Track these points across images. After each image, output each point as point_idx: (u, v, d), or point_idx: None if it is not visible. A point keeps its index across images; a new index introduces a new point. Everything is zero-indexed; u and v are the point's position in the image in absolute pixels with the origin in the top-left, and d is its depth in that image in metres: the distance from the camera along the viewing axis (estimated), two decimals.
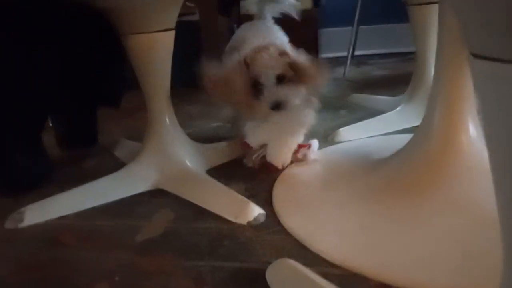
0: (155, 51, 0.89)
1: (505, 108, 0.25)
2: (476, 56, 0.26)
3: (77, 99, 1.03)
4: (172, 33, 0.91)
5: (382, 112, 1.28)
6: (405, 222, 0.72)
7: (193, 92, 1.91)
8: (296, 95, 0.87)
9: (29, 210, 0.86)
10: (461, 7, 0.26)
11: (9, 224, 0.84)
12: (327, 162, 1.00)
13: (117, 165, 1.07)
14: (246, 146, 0.99)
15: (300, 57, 0.90)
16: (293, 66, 0.88)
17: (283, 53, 0.88)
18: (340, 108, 1.44)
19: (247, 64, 0.87)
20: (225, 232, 0.75)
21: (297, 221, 0.75)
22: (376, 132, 1.15)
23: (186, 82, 1.98)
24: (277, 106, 0.86)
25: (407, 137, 0.86)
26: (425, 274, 0.57)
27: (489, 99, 0.27)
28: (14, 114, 0.91)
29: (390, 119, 1.20)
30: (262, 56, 0.86)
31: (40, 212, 0.86)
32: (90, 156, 1.20)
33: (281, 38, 1.15)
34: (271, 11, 1.24)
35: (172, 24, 0.91)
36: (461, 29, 0.27)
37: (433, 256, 0.61)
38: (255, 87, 0.87)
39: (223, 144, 1.12)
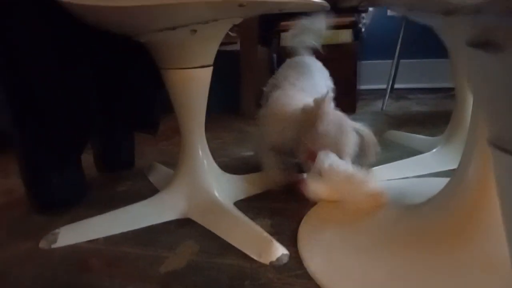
0: (192, 86, 0.91)
1: None
2: (495, 146, 0.25)
3: (114, 122, 1.08)
4: (210, 69, 0.93)
5: (419, 152, 1.24)
6: (433, 274, 0.68)
7: (229, 119, 1.96)
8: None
9: (63, 231, 0.90)
10: (487, 101, 0.26)
11: (43, 244, 0.88)
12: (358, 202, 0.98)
13: (150, 190, 1.10)
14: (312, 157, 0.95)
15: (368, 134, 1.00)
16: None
17: (357, 131, 0.99)
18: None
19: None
20: (247, 271, 0.74)
21: (321, 265, 0.74)
22: (411, 174, 1.12)
23: (224, 109, 2.05)
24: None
25: (443, 181, 0.83)
26: None
27: (504, 186, 0.26)
28: (52, 134, 0.95)
29: (427, 160, 1.16)
30: (343, 138, 0.95)
31: (73, 234, 0.90)
32: (125, 179, 1.24)
33: (321, 76, 1.19)
34: (304, 45, 1.29)
35: (210, 61, 0.93)
36: (485, 118, 0.26)
37: None
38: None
39: (253, 175, 1.12)
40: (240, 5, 0.75)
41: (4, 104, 0.91)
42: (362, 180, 0.91)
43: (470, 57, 0.25)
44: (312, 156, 0.93)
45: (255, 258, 0.77)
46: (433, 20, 0.23)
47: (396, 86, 2.31)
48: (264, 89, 1.25)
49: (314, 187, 0.91)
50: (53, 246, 0.86)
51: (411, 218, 0.84)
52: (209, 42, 0.91)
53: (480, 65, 0.25)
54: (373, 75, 2.39)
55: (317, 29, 1.31)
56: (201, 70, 0.91)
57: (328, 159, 0.91)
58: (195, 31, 0.84)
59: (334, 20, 1.86)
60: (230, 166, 1.29)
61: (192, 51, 0.89)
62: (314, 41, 1.33)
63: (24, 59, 0.90)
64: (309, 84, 1.15)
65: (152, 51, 0.91)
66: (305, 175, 0.95)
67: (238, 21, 0.91)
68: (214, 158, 1.18)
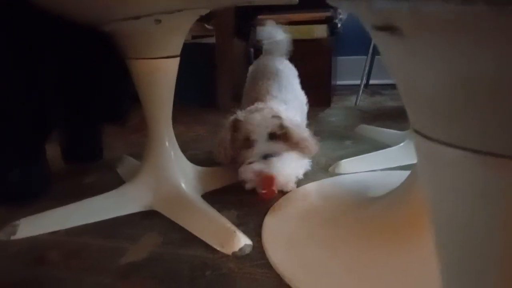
0: (158, 77, 0.90)
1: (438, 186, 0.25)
2: (417, 132, 0.25)
3: (79, 113, 1.06)
4: (177, 60, 0.92)
5: (387, 145, 1.26)
6: (390, 268, 0.69)
7: (205, 112, 1.94)
8: (285, 150, 0.96)
9: (23, 223, 0.87)
10: (402, 87, 0.26)
11: (2, 236, 0.85)
12: (322, 195, 0.99)
13: (117, 182, 1.08)
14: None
15: (294, 123, 1.00)
16: (284, 127, 0.97)
17: (276, 116, 0.98)
18: (346, 138, 1.43)
19: (235, 125, 1.00)
20: (209, 261, 0.74)
21: (283, 256, 0.74)
22: (377, 167, 1.13)
23: (199, 102, 2.03)
24: (267, 156, 0.94)
25: (407, 174, 0.84)
26: None
27: (426, 174, 0.26)
28: (13, 126, 0.93)
29: (393, 154, 1.17)
30: (254, 116, 0.97)
31: (33, 226, 0.88)
32: (92, 171, 1.22)
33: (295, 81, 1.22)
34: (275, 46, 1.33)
35: (177, 51, 0.92)
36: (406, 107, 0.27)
37: None
38: (247, 142, 0.97)
39: (221, 168, 1.12)
40: None
41: None
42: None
43: (379, 42, 0.26)
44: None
45: (217, 248, 0.77)
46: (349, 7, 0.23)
47: (371, 82, 2.33)
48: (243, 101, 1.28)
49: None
50: (12, 237, 0.84)
51: (372, 211, 0.85)
52: (175, 33, 0.90)
53: (388, 49, 0.25)
54: (350, 70, 2.40)
55: (279, 40, 1.34)
56: (167, 60, 0.90)
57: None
58: (159, 21, 0.83)
59: (309, 15, 1.88)
60: (202, 159, 1.28)
61: (157, 41, 0.88)
62: (281, 50, 1.36)
63: None
64: (292, 96, 1.16)
65: (117, 40, 0.89)
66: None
67: (204, 11, 0.90)
68: (186, 151, 1.17)
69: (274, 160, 0.94)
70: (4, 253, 0.80)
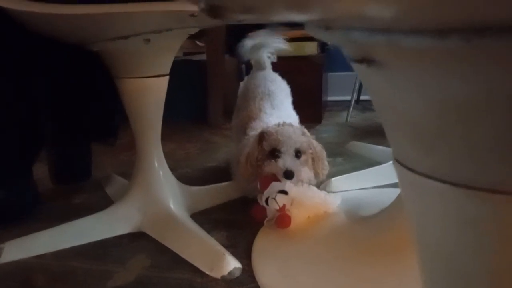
0: (147, 96, 0.90)
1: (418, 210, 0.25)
2: (399, 163, 0.25)
3: (68, 133, 1.05)
4: (166, 78, 0.92)
5: (378, 162, 1.26)
6: (385, 286, 0.69)
7: (196, 129, 1.94)
8: (306, 172, 0.96)
9: (7, 246, 0.85)
10: (383, 117, 0.26)
11: None
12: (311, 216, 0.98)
13: (106, 202, 1.07)
14: (266, 183, 0.94)
15: (316, 143, 1.01)
16: (310, 147, 0.98)
17: (304, 133, 0.99)
18: (338, 155, 1.43)
19: (262, 137, 0.98)
20: (197, 285, 0.73)
21: (273, 279, 0.73)
22: (369, 184, 1.13)
23: (190, 118, 2.03)
24: (288, 174, 0.92)
25: (398, 192, 0.84)
26: None
27: (410, 204, 0.26)
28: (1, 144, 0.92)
29: (384, 171, 1.17)
30: (286, 129, 0.96)
31: (19, 249, 0.86)
32: (81, 191, 1.20)
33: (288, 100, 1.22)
34: (266, 56, 1.32)
35: (166, 70, 0.92)
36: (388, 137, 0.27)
37: None
38: (273, 154, 0.95)
39: (211, 187, 1.11)
40: (192, 15, 0.74)
41: None
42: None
43: (359, 72, 0.26)
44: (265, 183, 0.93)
45: (206, 272, 0.76)
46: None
47: (362, 97, 2.35)
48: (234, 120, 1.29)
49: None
50: None
51: (364, 230, 0.84)
52: (164, 51, 0.90)
53: (367, 79, 0.25)
54: (341, 86, 2.42)
55: (275, 46, 1.34)
56: (156, 79, 0.90)
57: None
58: (148, 40, 0.83)
59: (299, 32, 1.90)
60: (193, 177, 1.27)
61: (147, 60, 0.88)
62: (270, 55, 1.36)
63: None
64: (284, 115, 1.15)
65: (106, 60, 0.89)
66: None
67: (193, 31, 0.90)
68: (177, 169, 1.16)
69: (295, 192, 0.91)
70: None
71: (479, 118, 0.20)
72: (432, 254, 0.30)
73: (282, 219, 0.89)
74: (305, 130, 1.00)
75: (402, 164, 0.25)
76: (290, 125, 0.99)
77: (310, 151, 0.98)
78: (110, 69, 0.89)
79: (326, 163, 1.02)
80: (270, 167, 0.94)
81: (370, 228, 0.84)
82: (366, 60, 0.21)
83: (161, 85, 0.92)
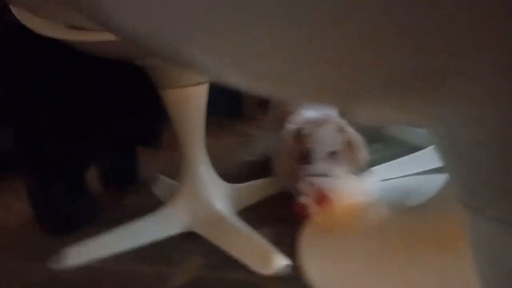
0: (189, 104, 0.94)
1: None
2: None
3: (115, 142, 1.10)
4: (205, 86, 0.95)
5: (420, 147, 1.24)
6: (438, 279, 0.69)
7: (231, 123, 1.96)
8: (340, 172, 0.94)
9: (71, 251, 0.92)
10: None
11: (52, 264, 0.91)
12: (359, 206, 0.99)
13: (155, 203, 1.12)
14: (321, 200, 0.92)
15: (353, 133, 0.98)
16: (348, 144, 0.96)
17: (341, 130, 0.95)
18: (375, 141, 1.40)
19: (299, 137, 0.96)
20: (252, 284, 0.76)
21: (322, 274, 0.75)
22: (412, 171, 1.12)
23: (224, 113, 2.05)
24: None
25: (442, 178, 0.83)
26: None
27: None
28: (56, 160, 0.98)
29: (427, 156, 1.16)
30: (320, 131, 0.94)
31: (81, 254, 0.92)
32: (130, 193, 1.26)
33: None
34: None
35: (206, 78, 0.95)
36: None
37: None
38: (306, 157, 0.94)
39: (254, 183, 1.14)
40: None
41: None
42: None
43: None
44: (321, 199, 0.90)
45: (258, 270, 0.79)
46: None
47: None
48: None
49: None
50: (62, 266, 0.89)
51: (412, 221, 0.85)
52: None
53: None
54: None
55: None
56: (196, 88, 0.93)
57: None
58: None
59: None
60: (235, 173, 1.30)
61: (187, 71, 0.90)
62: None
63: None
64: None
65: (149, 72, 0.93)
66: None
67: None
68: (217, 165, 1.19)
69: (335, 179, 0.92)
70: (56, 282, 0.85)
71: None
72: None
73: (321, 197, 0.89)
74: (343, 125, 0.98)
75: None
76: (325, 121, 0.96)
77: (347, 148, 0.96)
78: (153, 80, 0.93)
79: (364, 151, 1.00)
80: (303, 170, 0.94)
81: (418, 218, 0.84)
82: None
83: (202, 92, 0.95)
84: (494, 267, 0.25)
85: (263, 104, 1.59)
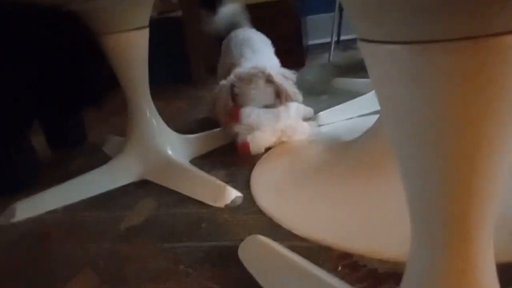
0: (131, 49, 0.92)
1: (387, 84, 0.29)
2: (361, 40, 0.29)
3: (57, 102, 1.07)
4: (147, 30, 0.94)
5: (362, 94, 1.30)
6: (368, 200, 0.74)
7: (181, 87, 1.95)
8: (276, 118, 1.01)
9: (19, 205, 0.90)
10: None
11: (1, 221, 0.88)
12: (303, 146, 1.04)
13: (105, 161, 1.10)
14: (235, 116, 1.02)
15: (282, 78, 1.04)
16: (278, 91, 1.03)
17: (269, 81, 1.02)
18: (322, 93, 1.47)
19: (234, 94, 1.03)
20: (204, 215, 0.79)
21: (271, 202, 0.79)
22: (353, 114, 1.18)
23: (174, 78, 2.04)
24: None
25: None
26: (381, 243, 0.61)
27: (375, 77, 0.30)
28: None
29: (367, 100, 1.22)
30: (250, 89, 1.01)
31: (30, 207, 0.91)
32: (79, 155, 1.24)
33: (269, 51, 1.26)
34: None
35: (146, 22, 0.94)
36: (350, 19, 0.31)
37: (389, 229, 0.64)
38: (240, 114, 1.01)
39: (205, 134, 1.16)
40: None
41: None
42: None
43: None
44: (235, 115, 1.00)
45: (211, 204, 0.82)
46: None
47: (342, 37, 2.36)
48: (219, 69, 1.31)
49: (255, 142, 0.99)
50: (12, 220, 0.87)
51: (347, 153, 0.90)
52: (140, 3, 0.91)
53: None
54: (321, 29, 2.42)
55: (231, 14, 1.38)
56: (137, 31, 0.92)
57: (251, 112, 1.00)
58: None
59: None
60: (186, 130, 1.31)
61: (125, 13, 0.89)
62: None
63: None
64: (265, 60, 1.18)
65: (86, 17, 0.90)
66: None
67: None
68: (170, 123, 1.19)
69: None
70: (7, 236, 0.83)
71: None
72: (393, 112, 0.33)
73: (243, 146, 0.99)
74: (271, 76, 1.02)
75: (363, 39, 0.30)
76: (253, 75, 1.01)
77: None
78: (91, 26, 0.90)
79: (295, 92, 1.06)
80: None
81: (353, 148, 0.89)
82: None
83: (142, 37, 0.94)
84: (383, 81, 0.30)
85: (210, 68, 1.60)
